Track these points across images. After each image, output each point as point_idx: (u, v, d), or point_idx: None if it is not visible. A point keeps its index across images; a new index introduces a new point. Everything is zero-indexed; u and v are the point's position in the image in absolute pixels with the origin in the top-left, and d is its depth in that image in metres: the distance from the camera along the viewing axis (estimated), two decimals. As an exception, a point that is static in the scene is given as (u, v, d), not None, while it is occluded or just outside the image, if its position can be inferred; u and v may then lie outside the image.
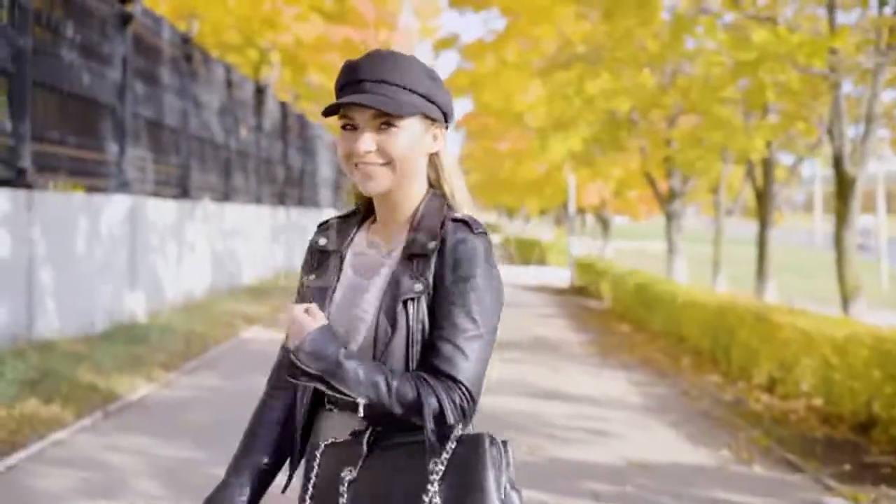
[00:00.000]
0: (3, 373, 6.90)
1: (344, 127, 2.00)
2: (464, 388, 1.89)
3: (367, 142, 1.97)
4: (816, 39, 9.81)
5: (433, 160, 2.08)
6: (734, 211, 22.00)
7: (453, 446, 1.83)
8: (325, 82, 25.80)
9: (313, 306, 1.96)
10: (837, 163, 10.64)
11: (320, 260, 2.13)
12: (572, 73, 16.63)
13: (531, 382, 9.42)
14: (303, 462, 2.07)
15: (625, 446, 6.93)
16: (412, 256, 1.98)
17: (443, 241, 1.98)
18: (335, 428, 2.02)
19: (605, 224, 36.94)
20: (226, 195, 16.90)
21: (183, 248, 13.79)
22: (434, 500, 1.80)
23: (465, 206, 2.08)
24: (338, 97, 2.01)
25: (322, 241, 2.14)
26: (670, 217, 19.30)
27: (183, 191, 14.28)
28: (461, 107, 50.55)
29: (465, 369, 1.90)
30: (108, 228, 10.85)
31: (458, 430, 1.85)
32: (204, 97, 15.62)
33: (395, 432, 1.92)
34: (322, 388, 1.92)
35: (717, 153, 15.51)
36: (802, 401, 8.42)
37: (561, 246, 35.46)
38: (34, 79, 9.19)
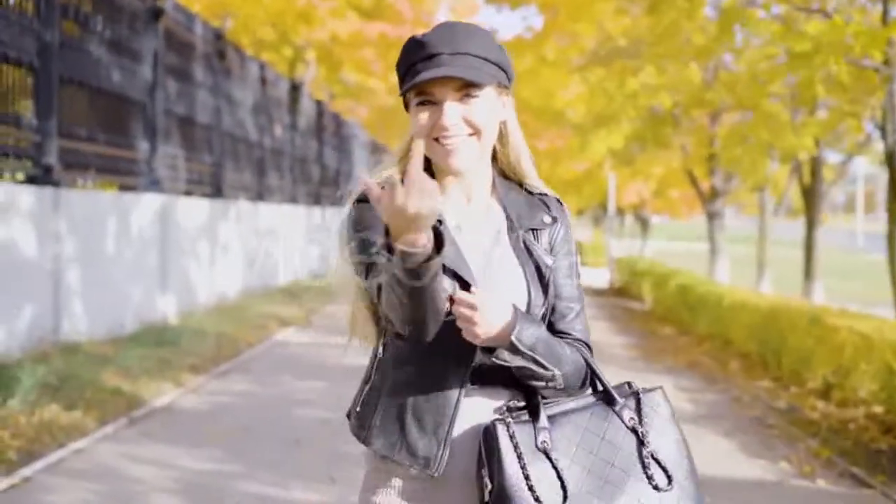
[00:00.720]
0: (21, 378, 6.60)
1: (419, 104, 1.94)
2: (590, 350, 2.05)
3: (454, 114, 1.92)
4: (874, 30, 9.35)
5: (500, 127, 2.04)
6: (779, 211, 21.44)
7: (640, 401, 1.98)
8: (360, 81, 25.55)
9: (475, 290, 1.90)
10: (890, 160, 10.18)
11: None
12: (613, 68, 16.26)
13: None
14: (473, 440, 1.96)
15: (676, 458, 6.51)
16: (530, 230, 2.04)
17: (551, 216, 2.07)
18: (482, 404, 1.98)
19: (644, 223, 36.46)
20: (260, 194, 16.66)
21: (216, 248, 13.54)
22: (656, 455, 1.95)
23: (530, 172, 2.10)
24: (406, 74, 1.95)
25: None
26: (712, 216, 18.84)
27: (216, 190, 14.03)
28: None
29: (585, 333, 2.06)
30: (139, 228, 10.60)
31: (638, 386, 2.02)
32: (237, 95, 15.39)
33: (556, 399, 1.97)
34: (532, 367, 1.89)
35: (764, 151, 15.03)
36: (861, 408, 7.96)
37: (599, 246, 34.99)
38: (61, 74, 8.95)
